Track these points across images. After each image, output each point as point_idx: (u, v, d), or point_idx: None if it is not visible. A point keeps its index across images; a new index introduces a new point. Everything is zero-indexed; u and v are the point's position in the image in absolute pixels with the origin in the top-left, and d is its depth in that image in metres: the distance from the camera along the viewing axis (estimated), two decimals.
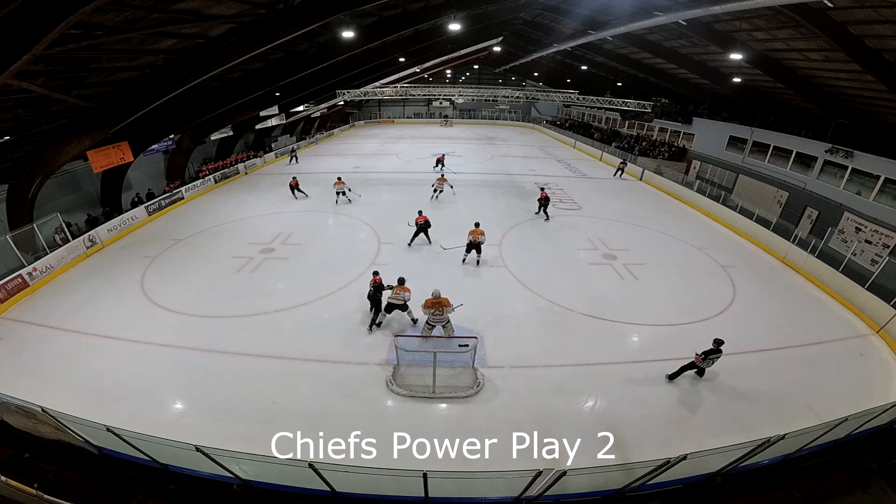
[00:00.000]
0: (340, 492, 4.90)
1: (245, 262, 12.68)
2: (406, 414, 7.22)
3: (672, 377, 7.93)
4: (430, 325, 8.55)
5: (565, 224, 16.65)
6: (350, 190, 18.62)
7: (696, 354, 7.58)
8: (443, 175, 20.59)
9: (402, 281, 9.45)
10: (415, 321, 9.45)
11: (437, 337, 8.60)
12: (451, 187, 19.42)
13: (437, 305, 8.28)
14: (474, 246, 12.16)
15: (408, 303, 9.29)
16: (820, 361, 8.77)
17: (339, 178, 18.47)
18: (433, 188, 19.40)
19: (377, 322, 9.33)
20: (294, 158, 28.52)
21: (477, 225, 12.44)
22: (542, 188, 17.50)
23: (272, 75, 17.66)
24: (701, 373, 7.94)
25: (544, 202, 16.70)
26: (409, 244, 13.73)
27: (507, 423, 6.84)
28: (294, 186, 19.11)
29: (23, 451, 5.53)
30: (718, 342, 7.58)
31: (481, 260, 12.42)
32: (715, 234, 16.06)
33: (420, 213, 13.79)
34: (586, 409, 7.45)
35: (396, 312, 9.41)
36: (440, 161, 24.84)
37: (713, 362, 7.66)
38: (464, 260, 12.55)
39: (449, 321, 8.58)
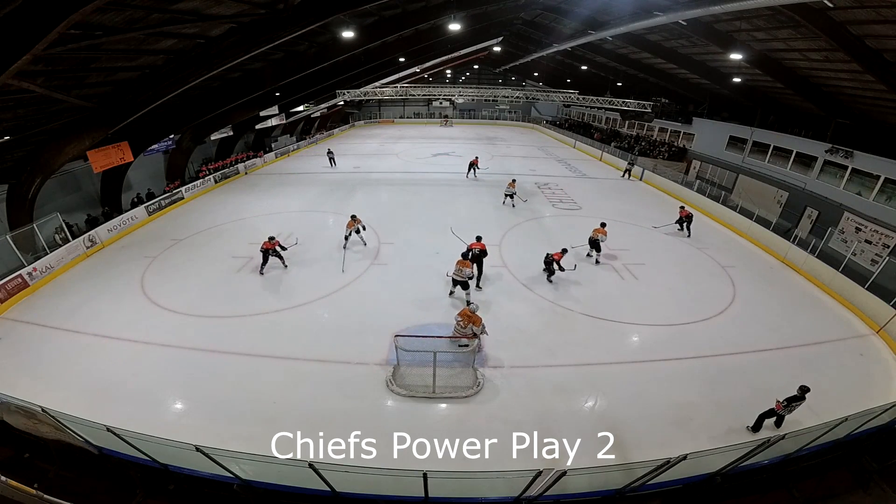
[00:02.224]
0: (340, 492, 4.90)
1: (245, 262, 12.68)
2: (406, 414, 7.22)
3: (755, 429, 6.91)
4: (455, 333, 8.48)
5: (565, 224, 16.65)
6: (364, 227, 13.84)
7: (778, 401, 6.70)
8: (513, 180, 18.57)
9: (465, 255, 10.31)
10: (469, 304, 9.60)
11: (438, 337, 8.58)
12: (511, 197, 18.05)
13: (467, 318, 8.17)
14: (593, 243, 12.73)
15: (469, 281, 10.04)
16: (820, 361, 8.76)
17: (353, 217, 13.30)
18: (507, 195, 18.00)
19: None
20: (332, 161, 26.51)
21: (603, 225, 13.02)
22: (681, 207, 16.04)
23: (272, 75, 17.65)
24: (779, 422, 6.90)
25: (687, 220, 15.36)
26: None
27: (507, 423, 6.84)
28: (270, 251, 11.80)
29: (23, 451, 5.53)
30: (804, 389, 6.60)
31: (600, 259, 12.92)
32: (715, 234, 16.06)
33: (479, 238, 11.59)
34: (586, 409, 7.45)
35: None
36: (473, 165, 23.47)
37: (794, 410, 6.69)
38: (588, 254, 13.14)
39: (476, 337, 8.23)
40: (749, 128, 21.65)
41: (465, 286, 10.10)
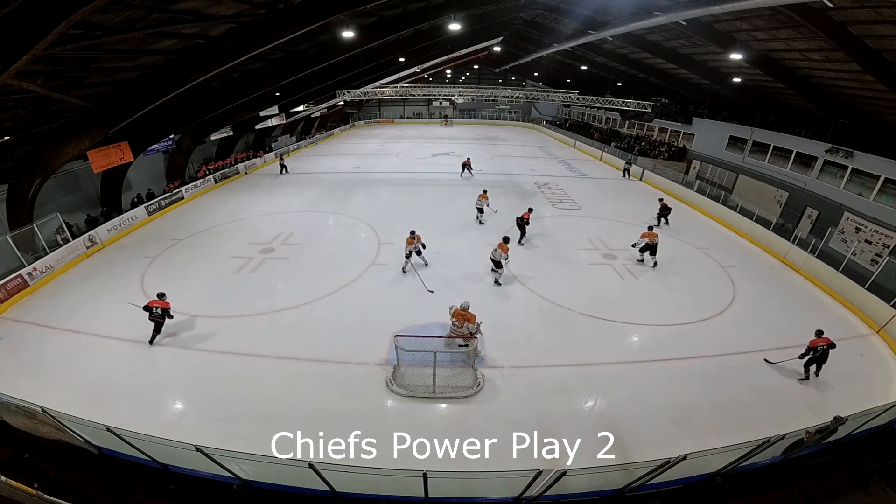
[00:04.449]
0: (340, 492, 4.89)
1: (245, 262, 12.68)
2: (406, 414, 7.22)
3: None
4: (451, 333, 8.49)
5: (565, 224, 16.65)
6: (424, 247, 12.23)
7: (808, 433, 5.99)
8: (484, 191, 16.65)
9: (506, 240, 11.61)
10: (498, 283, 11.38)
11: (437, 337, 8.58)
12: (488, 209, 16.52)
13: (462, 318, 8.19)
14: (650, 247, 12.59)
15: (504, 262, 11.37)
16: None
17: (413, 234, 11.90)
18: (477, 208, 16.37)
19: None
20: (284, 168, 24.87)
21: (650, 228, 12.93)
22: (660, 199, 16.48)
23: (272, 75, 17.66)
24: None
25: (663, 211, 16.08)
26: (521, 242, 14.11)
27: (507, 423, 6.84)
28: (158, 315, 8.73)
29: (23, 451, 5.52)
30: (838, 420, 5.95)
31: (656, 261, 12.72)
32: (715, 234, 16.06)
33: (530, 209, 14.53)
34: (586, 409, 7.45)
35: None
36: (466, 166, 23.40)
37: (822, 441, 5.93)
38: (641, 260, 12.93)
39: (473, 338, 8.14)
40: (749, 128, 21.64)
41: (498, 265, 11.34)
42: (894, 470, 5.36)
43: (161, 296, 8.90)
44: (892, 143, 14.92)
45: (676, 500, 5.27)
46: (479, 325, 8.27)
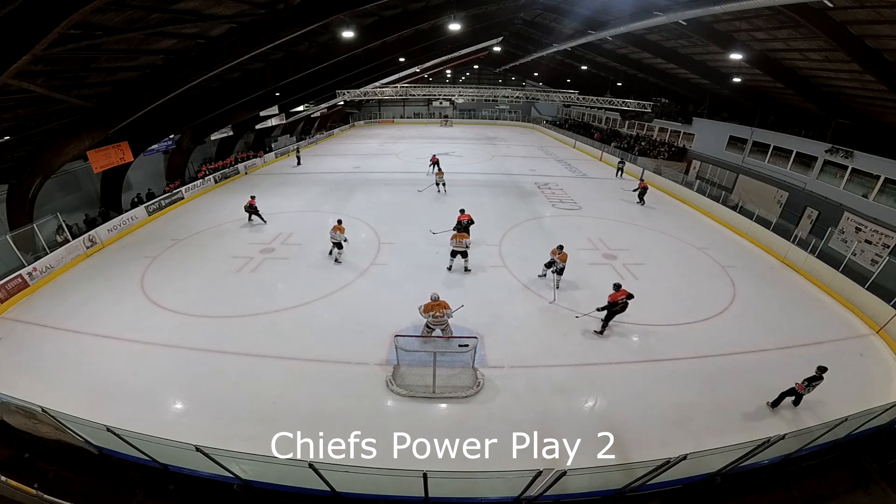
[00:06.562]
0: (340, 492, 4.90)
1: (245, 262, 12.68)
2: (406, 414, 7.23)
3: (774, 404, 7.39)
4: (429, 327, 8.48)
5: (565, 224, 16.65)
6: (346, 241, 12.49)
7: (798, 383, 7.09)
8: (440, 169, 21.69)
9: (458, 228, 12.22)
10: (467, 269, 11.85)
11: (438, 337, 8.58)
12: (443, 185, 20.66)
13: (437, 308, 8.21)
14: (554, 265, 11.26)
15: (468, 250, 11.62)
16: (820, 361, 8.68)
17: (338, 222, 12.64)
18: (437, 183, 20.44)
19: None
20: (298, 160, 28.17)
21: (561, 249, 10.92)
22: (640, 179, 19.32)
23: (272, 75, 17.64)
24: (798, 401, 7.34)
25: (642, 192, 19.16)
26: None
27: (507, 423, 6.84)
28: (252, 208, 15.69)
29: (23, 451, 5.52)
30: (822, 369, 7.02)
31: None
32: (715, 234, 16.06)
33: (462, 211, 13.85)
34: (586, 409, 7.46)
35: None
36: (434, 162, 24.42)
37: (814, 389, 7.04)
38: (543, 275, 11.59)
39: (447, 325, 8.43)
40: (749, 128, 21.64)
41: (464, 255, 11.66)
42: (894, 470, 5.37)
43: (252, 197, 15.66)
44: (892, 143, 14.93)
45: (676, 500, 5.28)
46: (454, 310, 8.39)
